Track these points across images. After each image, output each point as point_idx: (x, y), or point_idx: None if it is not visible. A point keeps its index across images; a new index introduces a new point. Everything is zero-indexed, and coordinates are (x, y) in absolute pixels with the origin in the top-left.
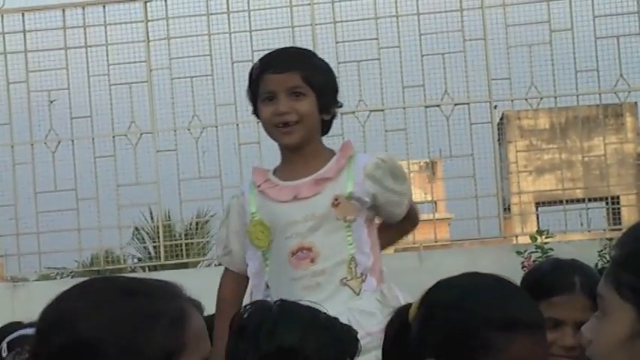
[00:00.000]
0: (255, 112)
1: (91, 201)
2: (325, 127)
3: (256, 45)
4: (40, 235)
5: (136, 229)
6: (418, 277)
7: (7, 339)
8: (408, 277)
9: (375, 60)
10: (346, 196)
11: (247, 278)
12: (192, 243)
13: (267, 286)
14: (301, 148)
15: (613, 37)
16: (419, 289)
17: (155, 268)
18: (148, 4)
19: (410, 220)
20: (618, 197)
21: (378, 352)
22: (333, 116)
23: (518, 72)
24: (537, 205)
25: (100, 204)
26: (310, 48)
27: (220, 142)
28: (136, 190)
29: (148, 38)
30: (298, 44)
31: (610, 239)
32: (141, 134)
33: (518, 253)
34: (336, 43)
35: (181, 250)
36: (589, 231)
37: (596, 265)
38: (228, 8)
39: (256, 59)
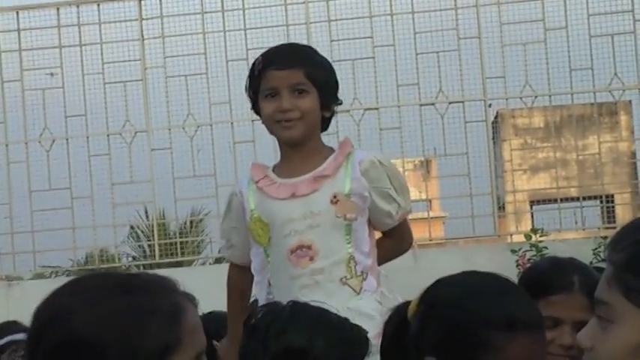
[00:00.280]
0: (254, 107)
1: (85, 200)
2: (325, 124)
3: (251, 43)
4: (34, 234)
5: (131, 227)
6: (413, 275)
7: (1, 341)
8: (402, 275)
9: (370, 58)
10: (345, 193)
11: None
12: (186, 241)
13: (270, 284)
14: (301, 144)
15: (607, 36)
16: (414, 288)
17: (150, 267)
18: (143, 2)
19: (397, 239)
20: (613, 196)
21: (375, 359)
22: (333, 113)
23: (512, 70)
24: (532, 203)
25: (94, 202)
26: None
27: (215, 140)
28: (131, 189)
29: (142, 36)
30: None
31: (604, 237)
32: (135, 133)
33: (513, 251)
34: (331, 41)
35: (176, 248)
36: (583, 229)
37: (591, 263)
38: (222, 6)
39: (251, 58)
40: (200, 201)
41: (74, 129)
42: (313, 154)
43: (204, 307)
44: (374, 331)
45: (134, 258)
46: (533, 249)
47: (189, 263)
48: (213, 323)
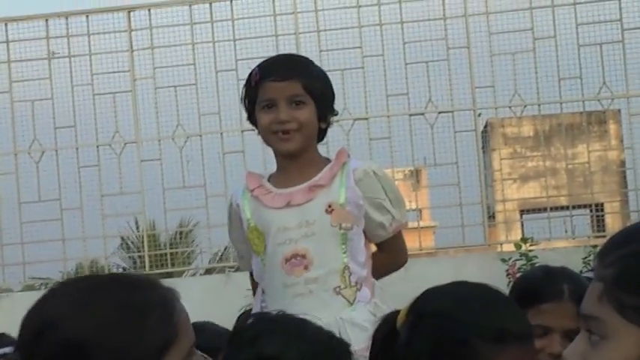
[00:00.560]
0: (250, 118)
1: (75, 211)
2: (321, 135)
3: (240, 54)
4: (24, 246)
5: (121, 238)
6: (403, 284)
7: None
8: (393, 284)
9: (359, 68)
10: (340, 202)
11: None
12: (177, 252)
13: (264, 292)
14: (298, 155)
15: (596, 45)
16: (404, 297)
17: None
18: (132, 13)
19: (391, 253)
20: (602, 204)
21: None
22: (329, 124)
23: (501, 80)
24: (522, 212)
25: (84, 214)
26: None
27: (204, 151)
28: (121, 200)
29: (131, 48)
30: (282, 53)
31: (594, 246)
32: (125, 144)
33: (503, 260)
34: (320, 51)
35: (166, 259)
36: (573, 238)
37: (581, 272)
38: (211, 17)
39: (240, 68)
40: (190, 211)
41: (63, 140)
42: (309, 164)
43: (195, 318)
44: (366, 342)
45: (124, 269)
46: (524, 258)
47: (180, 274)
48: (206, 335)
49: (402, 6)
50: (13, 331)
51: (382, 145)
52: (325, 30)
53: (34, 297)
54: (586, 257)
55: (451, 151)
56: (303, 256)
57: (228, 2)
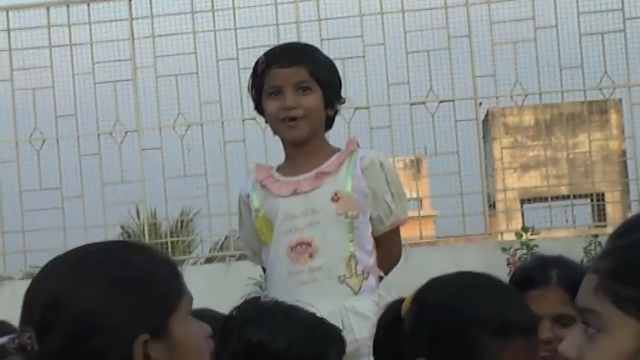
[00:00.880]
0: (257, 107)
1: (76, 200)
2: (329, 123)
3: (241, 43)
4: (25, 234)
5: (122, 227)
6: (403, 274)
7: None
8: (393, 273)
9: (360, 57)
10: (347, 191)
11: None
12: (177, 241)
13: (266, 280)
14: (306, 143)
15: (597, 34)
16: (405, 286)
17: None
18: (133, 2)
19: (384, 248)
20: (603, 194)
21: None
22: (337, 112)
23: (502, 69)
24: (522, 201)
25: (85, 203)
26: None
27: (205, 140)
28: (122, 189)
29: (132, 36)
30: (283, 42)
31: (595, 235)
32: (126, 132)
33: (504, 250)
34: (321, 40)
35: (167, 248)
36: (574, 227)
37: (582, 261)
38: (212, 6)
39: (241, 57)
40: (191, 200)
41: (64, 129)
42: (317, 152)
43: (196, 306)
44: (369, 331)
45: None
46: (524, 247)
47: (181, 263)
48: (205, 321)
49: None
50: (14, 319)
51: (383, 134)
52: (326, 19)
53: None
54: (587, 246)
55: (452, 141)
56: (309, 244)
57: None
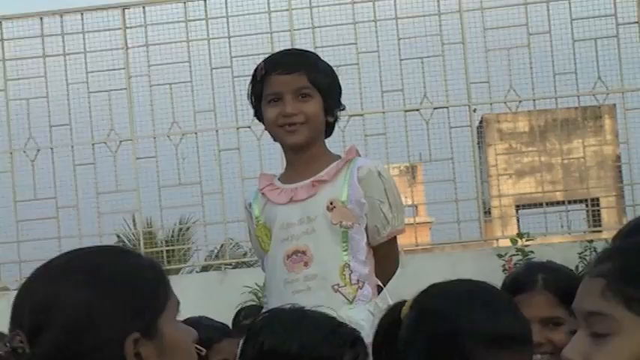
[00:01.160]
0: (257, 114)
1: (71, 209)
2: (329, 130)
3: (235, 51)
4: (20, 244)
5: (118, 236)
6: (399, 280)
7: None
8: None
9: (354, 65)
10: (342, 200)
11: None
12: (173, 250)
13: (265, 288)
14: (305, 149)
15: (591, 40)
16: (400, 293)
17: None
18: (127, 11)
19: (381, 259)
20: (598, 199)
21: None
22: (337, 119)
23: (496, 75)
24: (517, 207)
25: (80, 212)
26: None
27: (200, 148)
28: (117, 198)
29: (126, 45)
30: (277, 50)
31: (590, 241)
32: (120, 141)
33: (499, 256)
34: (315, 48)
35: (163, 257)
36: (569, 233)
37: (577, 267)
38: (206, 14)
39: (235, 65)
40: (186, 209)
41: (59, 138)
42: (317, 159)
43: (192, 315)
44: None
45: None
46: (520, 253)
47: (176, 272)
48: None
49: (397, 2)
50: None
51: (377, 141)
52: (320, 26)
53: None
54: (582, 252)
55: (446, 147)
56: (304, 253)
57: None
